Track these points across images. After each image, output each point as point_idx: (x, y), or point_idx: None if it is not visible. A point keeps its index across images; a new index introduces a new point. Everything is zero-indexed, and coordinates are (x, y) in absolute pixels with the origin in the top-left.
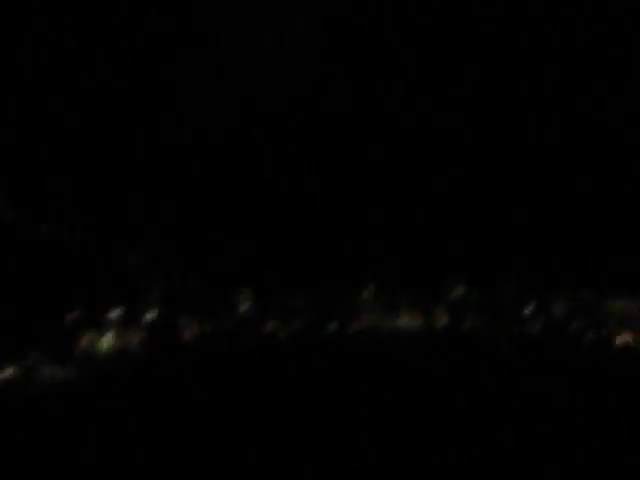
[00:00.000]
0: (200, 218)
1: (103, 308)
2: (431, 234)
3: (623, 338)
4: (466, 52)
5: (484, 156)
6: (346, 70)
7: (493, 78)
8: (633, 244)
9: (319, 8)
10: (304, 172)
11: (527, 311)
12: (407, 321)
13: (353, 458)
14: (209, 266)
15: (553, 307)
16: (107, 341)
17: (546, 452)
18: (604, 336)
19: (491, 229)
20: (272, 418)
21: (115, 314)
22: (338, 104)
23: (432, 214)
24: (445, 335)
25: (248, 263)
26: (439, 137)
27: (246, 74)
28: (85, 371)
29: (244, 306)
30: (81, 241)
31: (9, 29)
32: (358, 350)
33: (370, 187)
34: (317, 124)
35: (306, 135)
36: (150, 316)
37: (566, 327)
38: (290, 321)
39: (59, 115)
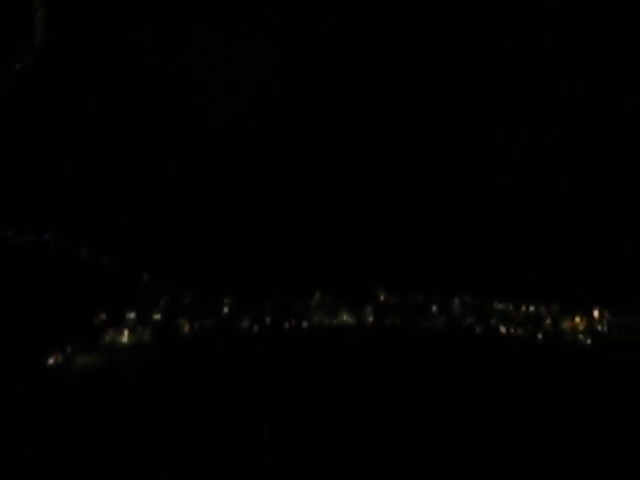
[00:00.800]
0: (189, 253)
1: (123, 311)
2: (361, 254)
3: (505, 329)
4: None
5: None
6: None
7: None
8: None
9: None
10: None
11: (433, 310)
12: (344, 319)
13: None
14: (199, 283)
15: (451, 308)
16: (125, 335)
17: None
18: (492, 328)
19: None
20: (249, 390)
21: (131, 315)
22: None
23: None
24: (372, 329)
25: (228, 282)
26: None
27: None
28: (110, 358)
29: (226, 310)
30: (107, 265)
31: None
32: (309, 339)
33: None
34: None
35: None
36: (157, 317)
37: (461, 321)
38: (260, 319)
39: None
